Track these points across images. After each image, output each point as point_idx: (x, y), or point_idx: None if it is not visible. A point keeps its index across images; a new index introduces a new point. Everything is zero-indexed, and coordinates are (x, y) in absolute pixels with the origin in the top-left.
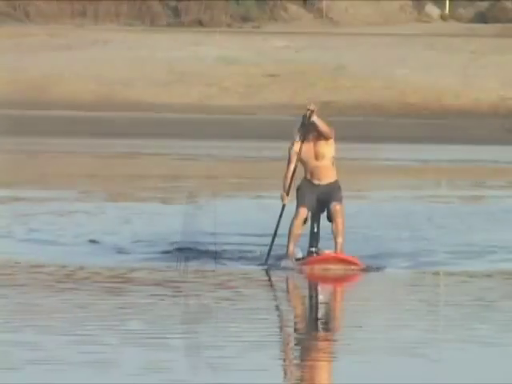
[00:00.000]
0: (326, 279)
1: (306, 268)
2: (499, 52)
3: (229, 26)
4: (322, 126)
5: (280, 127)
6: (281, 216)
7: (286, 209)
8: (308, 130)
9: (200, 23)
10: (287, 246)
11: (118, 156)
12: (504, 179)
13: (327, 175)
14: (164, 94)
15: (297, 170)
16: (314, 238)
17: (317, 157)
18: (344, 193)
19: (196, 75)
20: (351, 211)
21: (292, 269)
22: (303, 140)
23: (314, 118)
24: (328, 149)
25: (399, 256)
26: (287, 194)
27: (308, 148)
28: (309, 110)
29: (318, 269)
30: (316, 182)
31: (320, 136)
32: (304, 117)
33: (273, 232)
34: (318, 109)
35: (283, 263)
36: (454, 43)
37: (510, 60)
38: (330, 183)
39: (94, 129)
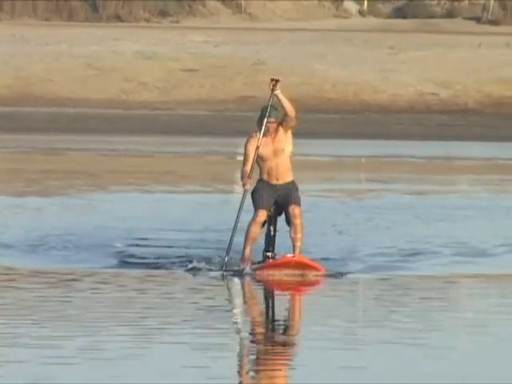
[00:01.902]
0: (284, 285)
1: (264, 273)
2: (417, 47)
3: (147, 20)
4: (286, 102)
5: (199, 122)
6: (241, 206)
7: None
8: (267, 124)
9: (118, 18)
10: (243, 250)
11: (34, 151)
12: (419, 175)
13: (285, 174)
14: (82, 89)
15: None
16: (271, 241)
17: (276, 153)
18: None
19: (114, 70)
20: None
21: (248, 274)
22: (262, 135)
23: (278, 92)
24: (287, 144)
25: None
26: (249, 178)
27: (266, 143)
28: (273, 80)
29: (277, 274)
30: (274, 181)
31: (281, 122)
32: (263, 109)
33: (233, 225)
34: (281, 83)
35: (238, 268)
36: (373, 39)
37: (428, 55)
38: (288, 183)
39: (10, 124)
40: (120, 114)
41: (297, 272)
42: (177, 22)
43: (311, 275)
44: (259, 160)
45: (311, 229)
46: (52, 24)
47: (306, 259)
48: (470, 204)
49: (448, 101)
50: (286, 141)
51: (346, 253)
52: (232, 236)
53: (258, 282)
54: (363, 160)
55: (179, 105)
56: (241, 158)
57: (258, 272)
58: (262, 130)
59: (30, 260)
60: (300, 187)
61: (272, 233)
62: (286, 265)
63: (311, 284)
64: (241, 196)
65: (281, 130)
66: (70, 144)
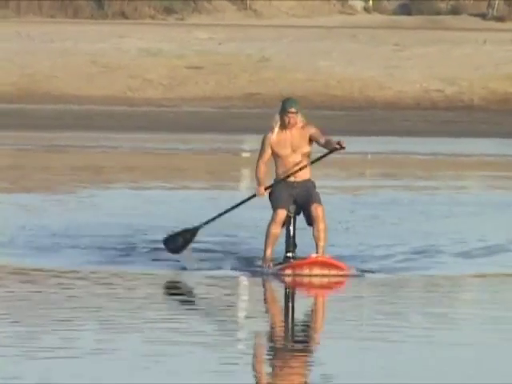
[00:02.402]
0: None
1: (288, 272)
2: (422, 44)
3: (152, 18)
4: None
5: (204, 119)
6: (244, 201)
7: (253, 200)
8: (288, 117)
9: (123, 15)
10: (264, 251)
11: (40, 149)
12: (427, 171)
13: (303, 171)
14: (87, 86)
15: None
16: (291, 242)
17: (294, 149)
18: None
19: (119, 67)
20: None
21: (271, 274)
22: (282, 127)
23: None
24: (306, 141)
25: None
26: (260, 185)
27: (284, 137)
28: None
29: (300, 274)
30: (291, 179)
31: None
32: (284, 101)
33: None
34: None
35: (261, 268)
36: (378, 35)
37: (433, 52)
38: (306, 181)
39: (16, 121)
40: (125, 110)
41: (320, 272)
42: (182, 19)
43: (334, 275)
44: (275, 156)
45: None
46: (57, 21)
47: (330, 259)
48: (476, 201)
49: (453, 97)
50: (306, 140)
51: (357, 251)
52: (216, 217)
53: (281, 282)
54: (369, 156)
55: (184, 102)
56: (246, 154)
57: (280, 272)
58: (279, 122)
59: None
60: None
61: (292, 233)
62: (311, 265)
63: (336, 284)
64: (247, 195)
65: (303, 127)
66: (76, 141)
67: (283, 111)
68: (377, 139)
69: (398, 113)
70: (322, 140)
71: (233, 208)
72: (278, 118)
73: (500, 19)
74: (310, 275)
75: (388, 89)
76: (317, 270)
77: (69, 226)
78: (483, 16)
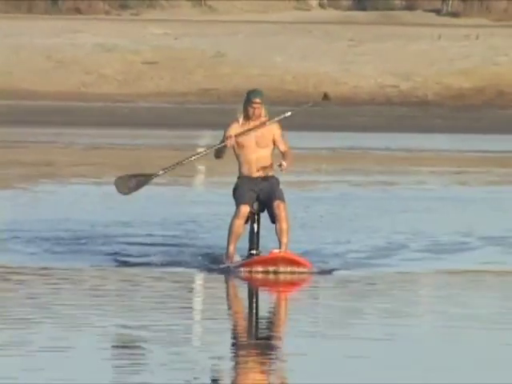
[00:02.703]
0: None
1: (248, 269)
2: (377, 39)
3: (107, 13)
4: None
5: (159, 115)
6: (208, 151)
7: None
8: (252, 108)
9: (78, 10)
10: (227, 247)
11: None
12: (382, 167)
13: (266, 167)
14: (42, 82)
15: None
16: (255, 239)
17: (258, 144)
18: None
19: (74, 63)
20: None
21: (232, 271)
22: (246, 117)
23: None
24: (271, 135)
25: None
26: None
27: (248, 130)
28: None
29: (262, 270)
30: (254, 174)
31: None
32: (249, 92)
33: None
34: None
35: (222, 265)
36: (333, 31)
37: (388, 48)
38: (269, 177)
39: None
40: (80, 106)
41: (283, 268)
42: (137, 14)
43: (298, 272)
44: (238, 149)
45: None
46: (11, 17)
47: (293, 255)
48: (430, 195)
49: (408, 93)
50: (272, 137)
51: (317, 248)
52: (175, 165)
53: (243, 279)
54: (323, 152)
55: (139, 97)
56: (201, 150)
57: (242, 269)
58: (243, 114)
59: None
60: None
61: (255, 230)
62: (273, 261)
63: (298, 281)
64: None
65: (271, 125)
66: (30, 137)
67: (247, 102)
68: (332, 135)
69: (353, 108)
70: (282, 147)
71: (194, 156)
72: (241, 109)
73: (455, 15)
74: (273, 272)
75: (343, 84)
76: (280, 267)
77: (17, 222)
78: (438, 12)
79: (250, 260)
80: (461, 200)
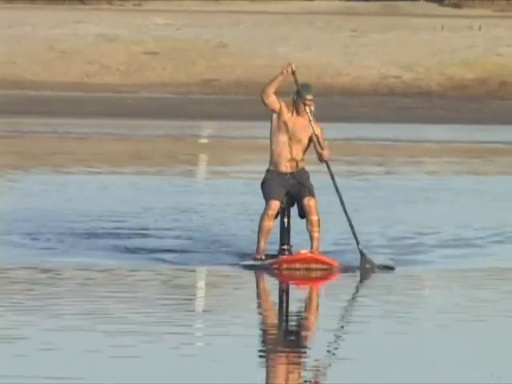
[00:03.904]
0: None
1: (278, 267)
2: (380, 30)
3: (110, 3)
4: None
5: (161, 105)
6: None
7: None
8: (305, 105)
9: (80, 0)
10: (258, 243)
11: None
12: (384, 157)
13: (298, 161)
14: (44, 72)
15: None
16: (286, 234)
17: (291, 136)
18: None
19: (76, 53)
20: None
21: (262, 267)
22: (296, 112)
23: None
24: (307, 135)
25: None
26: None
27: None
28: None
29: (290, 268)
30: (283, 169)
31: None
32: (302, 89)
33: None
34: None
35: (251, 261)
36: (335, 21)
37: (391, 38)
38: (299, 171)
39: None
40: (82, 96)
41: (311, 266)
42: (139, 4)
43: (324, 269)
44: (274, 138)
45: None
46: (14, 7)
47: (320, 256)
48: (434, 187)
49: (411, 83)
50: (307, 134)
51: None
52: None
53: (273, 276)
54: (326, 143)
55: (142, 88)
56: (204, 140)
57: (272, 266)
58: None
59: None
60: (261, 169)
61: (286, 225)
62: (301, 261)
63: (325, 278)
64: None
65: (314, 124)
66: (33, 127)
67: (300, 97)
68: (334, 125)
69: (355, 99)
70: (318, 147)
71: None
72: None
73: (457, 5)
74: (301, 269)
75: (345, 75)
76: (310, 266)
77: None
78: (440, 2)
79: (277, 259)
80: (463, 191)
